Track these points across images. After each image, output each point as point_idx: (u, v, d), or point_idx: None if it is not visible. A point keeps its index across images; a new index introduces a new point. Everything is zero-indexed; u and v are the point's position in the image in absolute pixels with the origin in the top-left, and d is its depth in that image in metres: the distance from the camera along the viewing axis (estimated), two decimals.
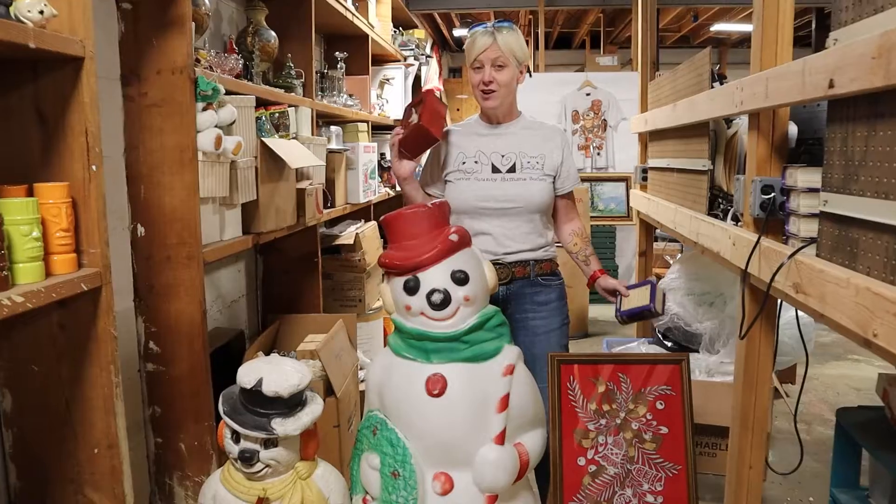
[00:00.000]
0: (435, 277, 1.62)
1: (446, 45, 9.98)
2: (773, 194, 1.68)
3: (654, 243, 3.88)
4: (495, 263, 2.01)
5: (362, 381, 3.04)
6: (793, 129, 1.79)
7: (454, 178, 2.09)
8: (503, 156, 2.06)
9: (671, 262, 4.21)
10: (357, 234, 3.39)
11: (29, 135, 1.44)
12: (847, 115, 1.31)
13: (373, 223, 3.84)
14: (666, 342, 3.19)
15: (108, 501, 1.53)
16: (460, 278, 1.62)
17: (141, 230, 1.92)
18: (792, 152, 1.79)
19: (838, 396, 3.85)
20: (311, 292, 3.01)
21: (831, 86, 1.28)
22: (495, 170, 2.05)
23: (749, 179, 1.79)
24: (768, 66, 1.71)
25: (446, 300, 1.60)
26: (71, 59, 1.38)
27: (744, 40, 9.60)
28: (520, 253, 2.03)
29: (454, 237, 1.66)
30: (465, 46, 2.06)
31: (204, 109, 1.92)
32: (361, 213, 3.90)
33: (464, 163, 2.07)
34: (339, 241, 3.32)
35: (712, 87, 2.27)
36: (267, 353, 2.60)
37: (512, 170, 2.04)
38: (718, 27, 8.69)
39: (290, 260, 3.00)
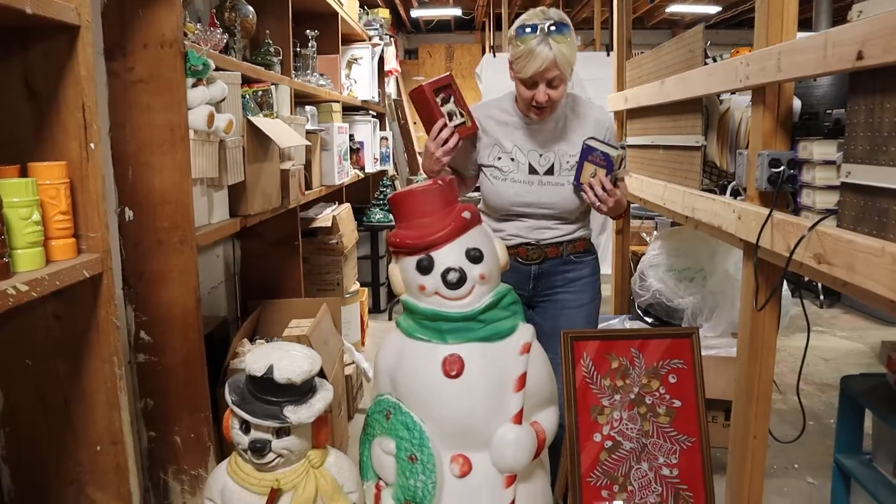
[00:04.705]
0: (449, 256, 1.58)
1: (402, 26, 9.85)
2: (781, 167, 1.68)
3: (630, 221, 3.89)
4: (526, 245, 1.98)
5: (347, 365, 2.99)
6: (796, 103, 1.80)
7: (489, 173, 2.00)
8: (541, 155, 1.97)
9: (647, 238, 4.25)
10: (334, 216, 3.32)
11: (18, 111, 1.34)
12: (874, 87, 1.31)
13: (347, 205, 3.77)
14: (647, 318, 3.21)
15: (112, 501, 1.45)
16: (475, 256, 1.58)
17: (129, 214, 1.83)
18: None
19: (808, 367, 3.95)
20: (292, 276, 2.93)
21: (860, 57, 1.27)
22: (532, 170, 1.96)
23: (754, 153, 1.79)
24: (775, 41, 1.71)
25: (462, 279, 1.55)
26: (65, 28, 1.29)
27: (696, 21, 9.72)
28: (553, 238, 2.00)
29: (467, 214, 1.62)
30: (514, 51, 1.85)
31: (193, 86, 1.83)
32: (335, 195, 3.82)
33: (499, 158, 1.98)
34: (316, 224, 3.25)
35: (705, 63, 2.27)
36: (251, 341, 2.53)
37: (550, 171, 1.96)
38: (674, 8, 8.77)
39: (269, 244, 2.92)
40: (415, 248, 1.59)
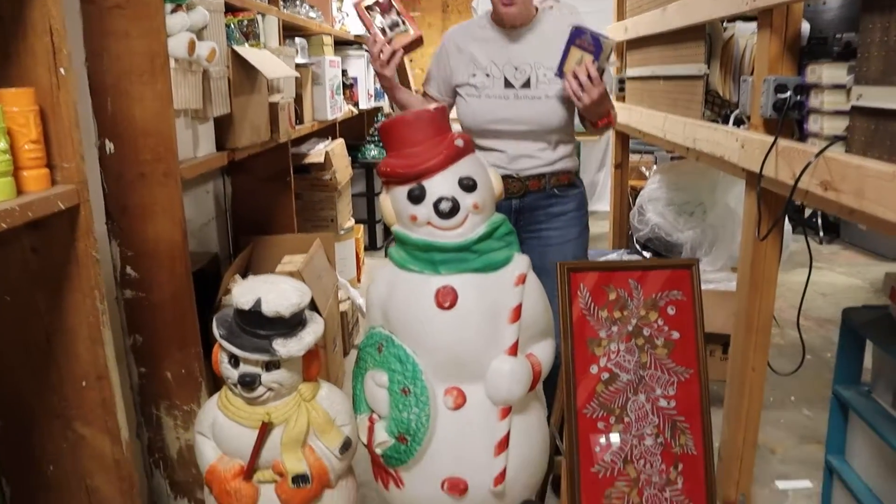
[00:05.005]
0: (441, 185, 1.52)
1: None
2: (788, 93, 1.61)
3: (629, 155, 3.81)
4: (507, 177, 1.91)
5: (342, 301, 2.97)
6: (805, 26, 1.71)
7: (465, 93, 1.94)
8: (517, 68, 1.89)
9: (647, 173, 4.18)
10: (327, 151, 3.25)
11: None
12: (890, 2, 1.23)
13: (340, 140, 3.69)
14: (645, 253, 3.18)
15: (100, 435, 1.43)
16: (468, 185, 1.53)
17: (110, 147, 1.76)
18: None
19: (806, 302, 3.92)
20: (284, 212, 2.88)
21: None
22: (508, 84, 1.89)
23: (759, 79, 1.71)
24: None
25: (455, 208, 1.50)
26: None
27: None
28: (534, 168, 1.94)
29: (459, 142, 1.56)
30: None
31: (172, 12, 1.75)
32: (328, 130, 3.73)
33: (474, 75, 1.91)
34: (309, 160, 3.18)
35: None
36: (244, 277, 2.49)
37: (526, 84, 1.88)
38: None
39: (260, 180, 2.86)
40: (406, 176, 1.54)
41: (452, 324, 1.50)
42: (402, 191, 1.55)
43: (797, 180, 1.45)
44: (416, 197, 1.52)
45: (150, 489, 1.96)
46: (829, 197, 1.37)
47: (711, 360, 2.63)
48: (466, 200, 1.52)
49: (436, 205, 1.50)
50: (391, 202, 1.59)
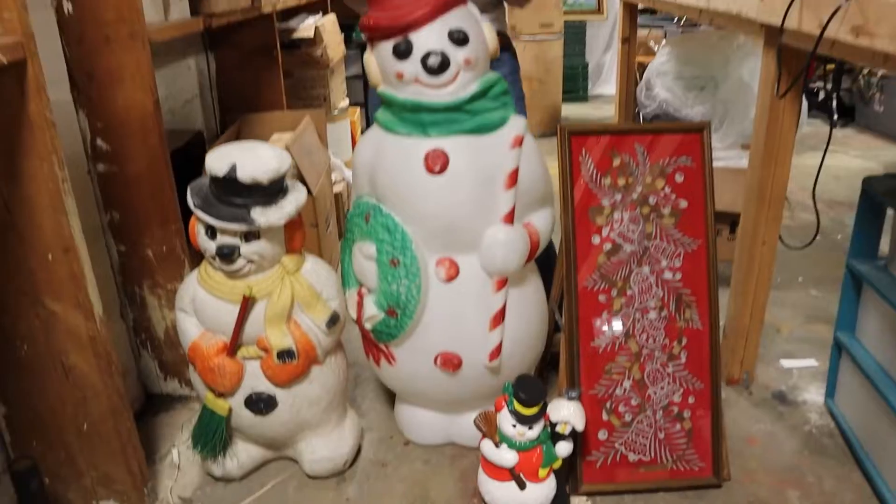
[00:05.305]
0: (429, 38, 1.37)
1: None
2: None
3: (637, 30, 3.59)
4: None
5: (337, 183, 2.86)
6: None
7: None
8: None
9: (655, 48, 3.97)
10: (317, 26, 3.05)
11: None
12: None
13: (332, 16, 3.47)
14: None
15: (73, 311, 1.36)
16: (459, 38, 1.38)
17: (68, 6, 1.60)
18: None
19: (819, 185, 3.80)
20: (272, 90, 2.72)
21: None
22: None
23: None
24: None
25: (444, 63, 1.36)
26: None
27: None
28: None
29: None
30: None
31: None
32: (318, 5, 3.51)
33: None
34: (298, 35, 2.99)
35: None
36: None
37: None
38: None
39: (245, 55, 2.68)
40: (390, 30, 1.38)
41: (443, 189, 1.39)
42: (386, 46, 1.40)
43: (825, 27, 1.30)
44: (402, 52, 1.38)
45: (139, 370, 1.92)
46: (860, 43, 1.22)
47: (718, 240, 2.53)
48: (457, 55, 1.38)
49: (423, 60, 1.36)
50: (376, 60, 1.45)
